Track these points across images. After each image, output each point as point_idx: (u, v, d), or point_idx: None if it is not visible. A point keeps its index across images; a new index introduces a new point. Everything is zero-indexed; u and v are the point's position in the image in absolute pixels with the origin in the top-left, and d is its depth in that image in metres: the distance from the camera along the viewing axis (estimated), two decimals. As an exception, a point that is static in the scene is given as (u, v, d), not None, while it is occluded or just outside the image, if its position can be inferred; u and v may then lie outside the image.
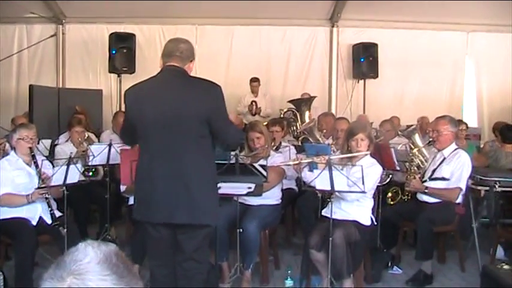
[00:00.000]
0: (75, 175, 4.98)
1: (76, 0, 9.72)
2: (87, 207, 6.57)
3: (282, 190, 5.67)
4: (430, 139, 5.84)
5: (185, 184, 3.58)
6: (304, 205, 6.12)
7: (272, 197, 5.41)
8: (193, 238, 3.69)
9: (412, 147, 6.16)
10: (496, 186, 5.67)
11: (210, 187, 3.73)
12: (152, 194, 3.62)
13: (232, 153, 4.94)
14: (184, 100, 3.59)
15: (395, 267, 5.75)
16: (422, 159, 5.98)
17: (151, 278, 3.91)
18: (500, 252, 5.84)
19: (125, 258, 1.37)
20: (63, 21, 10.46)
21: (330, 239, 4.60)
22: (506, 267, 4.27)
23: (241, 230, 5.02)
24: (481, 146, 8.08)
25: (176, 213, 3.59)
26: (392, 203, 6.01)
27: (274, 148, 6.32)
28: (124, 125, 3.96)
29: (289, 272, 5.19)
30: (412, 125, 7.53)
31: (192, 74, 3.84)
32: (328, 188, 4.50)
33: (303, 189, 5.42)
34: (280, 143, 6.74)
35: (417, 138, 6.33)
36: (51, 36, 9.87)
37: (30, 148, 5.08)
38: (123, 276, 1.30)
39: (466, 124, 8.29)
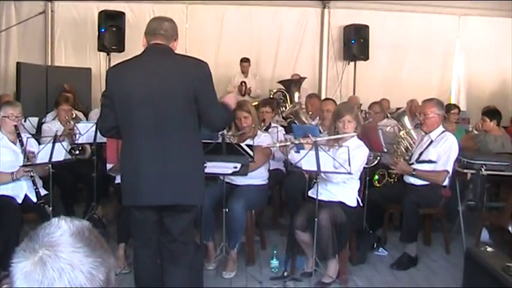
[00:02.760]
0: (60, 153, 4.96)
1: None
2: (74, 186, 6.56)
3: (269, 170, 5.68)
4: (419, 122, 5.86)
5: (171, 165, 3.50)
6: (291, 186, 6.12)
7: (259, 177, 5.41)
8: (180, 221, 3.64)
9: (401, 129, 6.16)
10: (482, 170, 5.70)
11: (196, 167, 3.67)
12: (138, 177, 3.54)
13: (219, 132, 4.92)
14: (171, 78, 3.51)
15: (380, 249, 5.79)
16: (411, 142, 5.99)
17: (135, 258, 3.88)
18: (485, 235, 5.88)
19: (97, 234, 1.39)
20: (53, -2, 10.35)
21: (316, 219, 4.61)
22: (489, 249, 4.30)
23: (227, 210, 5.03)
24: (470, 129, 8.08)
25: (163, 195, 3.52)
26: (378, 185, 6.03)
27: (264, 129, 6.32)
28: (104, 110, 3.77)
29: (274, 252, 5.21)
30: (401, 108, 7.55)
31: (182, 53, 3.77)
32: (315, 168, 4.51)
33: (290, 169, 5.41)
34: (270, 123, 6.73)
35: (406, 120, 6.32)
36: (40, 13, 9.77)
37: (15, 126, 5.04)
38: (96, 249, 1.32)
39: (458, 108, 8.28)
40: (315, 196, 4.72)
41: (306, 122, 7.10)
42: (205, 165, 4.07)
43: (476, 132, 7.30)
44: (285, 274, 4.99)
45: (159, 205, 3.60)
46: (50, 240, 1.30)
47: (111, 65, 9.55)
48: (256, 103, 7.05)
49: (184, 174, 3.55)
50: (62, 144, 5.00)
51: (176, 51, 3.68)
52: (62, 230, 1.32)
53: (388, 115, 7.80)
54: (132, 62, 3.66)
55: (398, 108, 7.99)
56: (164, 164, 3.50)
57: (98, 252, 1.32)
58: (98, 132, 5.90)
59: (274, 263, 5.16)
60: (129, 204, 3.70)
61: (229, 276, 5.10)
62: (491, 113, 6.79)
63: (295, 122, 7.21)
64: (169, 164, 3.50)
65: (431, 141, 5.64)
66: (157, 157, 3.50)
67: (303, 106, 7.89)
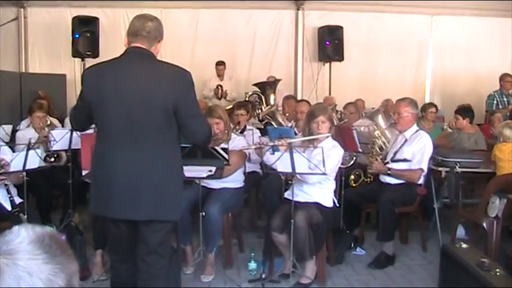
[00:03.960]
0: (35, 160, 4.91)
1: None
2: (50, 193, 6.49)
3: (245, 173, 5.68)
4: (393, 121, 5.91)
5: (146, 178, 3.33)
6: (268, 188, 6.12)
7: (234, 180, 5.40)
8: (157, 231, 3.46)
9: (375, 128, 6.20)
10: (457, 167, 5.76)
11: (173, 182, 3.48)
12: (111, 188, 3.36)
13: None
14: (149, 86, 3.29)
15: (358, 249, 5.83)
16: (385, 141, 6.03)
17: (112, 271, 3.82)
18: (461, 231, 5.94)
19: (61, 241, 1.38)
20: (25, 4, 10.26)
21: (292, 221, 4.63)
22: (464, 246, 4.35)
23: (203, 214, 5.01)
24: (445, 127, 8.18)
25: (139, 209, 3.36)
26: (354, 185, 6.06)
27: (239, 131, 6.32)
28: (77, 106, 3.63)
29: (252, 254, 5.21)
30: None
31: (164, 60, 3.64)
32: (289, 170, 4.53)
33: (266, 172, 5.42)
34: (245, 126, 6.73)
35: (380, 120, 6.37)
36: (13, 20, 9.69)
37: (-12, 134, 5.00)
38: (56, 256, 1.31)
39: (435, 106, 8.37)
40: (290, 197, 4.75)
41: (282, 123, 7.13)
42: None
43: (450, 130, 7.38)
44: (263, 276, 4.99)
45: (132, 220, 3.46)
46: (8, 248, 1.29)
47: (86, 70, 9.53)
48: (230, 106, 7.06)
49: (160, 189, 3.39)
50: (36, 152, 4.96)
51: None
52: (21, 237, 1.32)
53: (364, 114, 7.86)
54: (110, 64, 3.45)
55: (373, 108, 8.06)
56: (139, 177, 3.34)
57: (58, 259, 1.31)
58: (73, 139, 5.90)
59: (252, 265, 5.17)
60: (99, 213, 3.61)
61: (208, 280, 5.10)
62: (464, 111, 6.88)
63: (272, 123, 7.24)
64: (144, 177, 3.34)
65: (406, 140, 5.69)
66: (131, 169, 3.33)
67: (280, 108, 7.92)
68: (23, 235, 1.32)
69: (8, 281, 1.25)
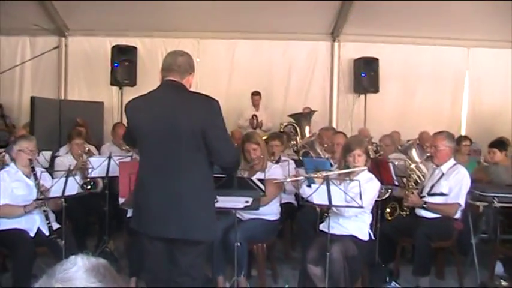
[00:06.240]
0: (73, 187, 4.99)
1: (79, 13, 9.82)
2: (86, 220, 6.58)
3: (281, 205, 5.66)
4: (428, 154, 5.86)
5: (177, 199, 3.54)
6: (303, 219, 6.11)
7: (270, 212, 5.41)
8: (188, 254, 3.65)
9: (410, 162, 6.15)
10: (495, 202, 5.65)
11: (204, 202, 3.66)
12: (146, 207, 3.62)
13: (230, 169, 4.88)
14: (179, 113, 3.55)
15: (393, 283, 5.72)
16: (420, 175, 5.98)
17: None
18: (499, 268, 5.81)
19: (113, 272, 1.43)
20: (66, 33, 10.56)
21: (328, 253, 4.60)
22: (504, 283, 4.28)
23: (239, 244, 5.00)
24: (481, 161, 8.06)
25: (168, 227, 3.55)
26: (390, 218, 6.00)
27: (274, 162, 6.32)
28: (126, 131, 4.06)
29: (286, 286, 5.18)
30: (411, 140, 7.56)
31: (194, 87, 3.83)
32: (326, 202, 4.51)
33: (301, 203, 5.41)
34: (280, 157, 6.74)
35: (414, 153, 6.32)
36: (54, 48, 9.90)
37: (30, 160, 5.10)
38: (109, 285, 1.37)
39: (469, 140, 8.27)
40: (326, 230, 4.72)
41: (320, 154, 7.11)
42: (216, 200, 4.05)
43: (485, 164, 7.28)
44: (297, 308, 4.97)
45: (164, 237, 3.62)
46: (65, 275, 1.36)
47: (124, 98, 9.75)
48: (265, 137, 7.08)
49: (190, 209, 3.56)
50: (74, 178, 5.04)
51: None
52: (77, 266, 1.38)
53: (399, 148, 7.81)
54: (146, 97, 3.76)
55: (409, 141, 8.00)
56: (170, 198, 3.55)
57: None
58: (110, 166, 5.98)
59: (286, 296, 5.15)
60: (136, 228, 3.77)
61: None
62: (501, 144, 6.79)
63: (310, 152, 7.23)
64: (175, 198, 3.55)
65: (443, 174, 5.63)
66: (164, 190, 3.56)
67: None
68: (79, 264, 1.39)
69: None
